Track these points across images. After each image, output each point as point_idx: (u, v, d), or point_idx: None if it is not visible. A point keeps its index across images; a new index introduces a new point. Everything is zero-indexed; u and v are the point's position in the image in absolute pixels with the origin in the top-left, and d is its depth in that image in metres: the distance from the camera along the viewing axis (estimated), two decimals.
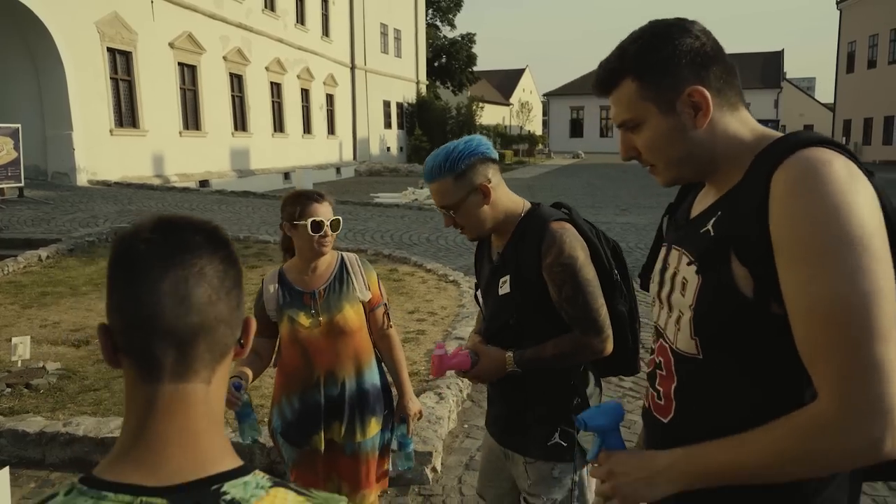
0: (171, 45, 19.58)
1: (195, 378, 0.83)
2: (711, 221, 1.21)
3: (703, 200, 1.30)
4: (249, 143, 23.90)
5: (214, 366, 0.85)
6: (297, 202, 2.49)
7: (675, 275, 1.28)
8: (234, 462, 0.84)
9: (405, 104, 39.91)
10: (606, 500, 1.29)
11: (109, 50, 17.21)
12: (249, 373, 2.46)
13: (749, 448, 1.09)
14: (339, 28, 32.22)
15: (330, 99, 31.51)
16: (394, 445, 2.74)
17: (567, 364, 2.00)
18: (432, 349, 2.30)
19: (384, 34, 37.33)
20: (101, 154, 16.74)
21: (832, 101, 44.23)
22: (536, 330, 2.01)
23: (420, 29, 41.95)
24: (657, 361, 1.34)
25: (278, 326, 2.56)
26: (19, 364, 5.21)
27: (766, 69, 55.67)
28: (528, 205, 2.11)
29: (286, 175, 24.99)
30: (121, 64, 17.79)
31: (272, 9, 25.64)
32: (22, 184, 13.21)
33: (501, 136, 44.26)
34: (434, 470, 3.81)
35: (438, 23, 48.92)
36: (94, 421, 4.14)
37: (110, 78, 17.28)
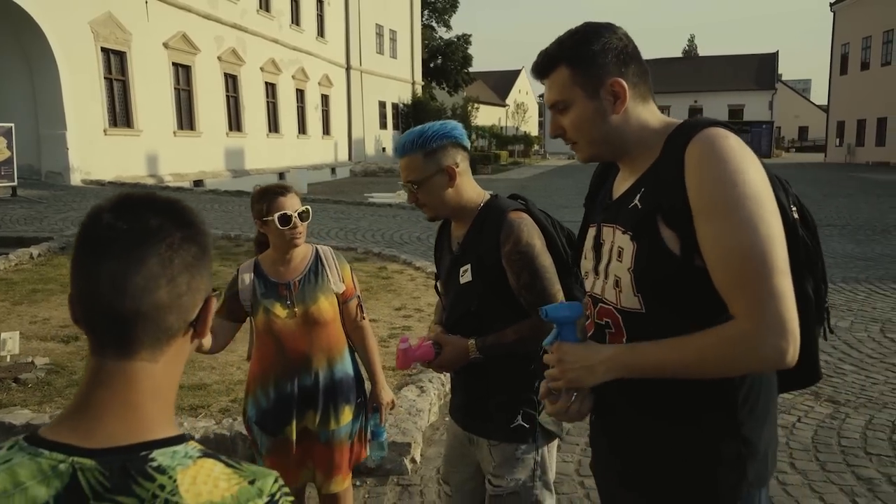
0: (166, 45, 19.63)
1: (137, 357, 0.88)
2: (637, 197, 1.43)
3: (623, 183, 1.53)
4: (244, 143, 23.95)
5: (161, 346, 0.89)
6: (263, 199, 2.55)
7: (611, 247, 1.48)
8: (171, 433, 0.88)
9: (401, 105, 39.97)
10: (550, 395, 1.50)
11: (103, 50, 17.27)
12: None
13: (679, 350, 1.33)
14: (335, 29, 32.27)
15: (325, 99, 31.58)
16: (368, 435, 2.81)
17: (528, 348, 2.08)
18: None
19: (380, 35, 37.39)
20: (95, 154, 16.79)
21: (827, 102, 44.37)
22: (497, 317, 2.09)
23: (416, 30, 42.02)
24: (604, 323, 1.52)
25: (249, 316, 2.63)
26: (8, 359, 5.27)
27: (760, 71, 55.89)
28: (487, 196, 2.19)
29: (281, 175, 25.02)
30: (115, 64, 17.85)
31: (267, 9, 25.71)
32: (15, 183, 13.26)
33: (497, 137, 44.34)
34: (413, 461, 3.88)
35: (434, 24, 48.99)
36: None
37: (104, 78, 17.34)
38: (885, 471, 3.74)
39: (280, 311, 2.56)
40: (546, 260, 2.05)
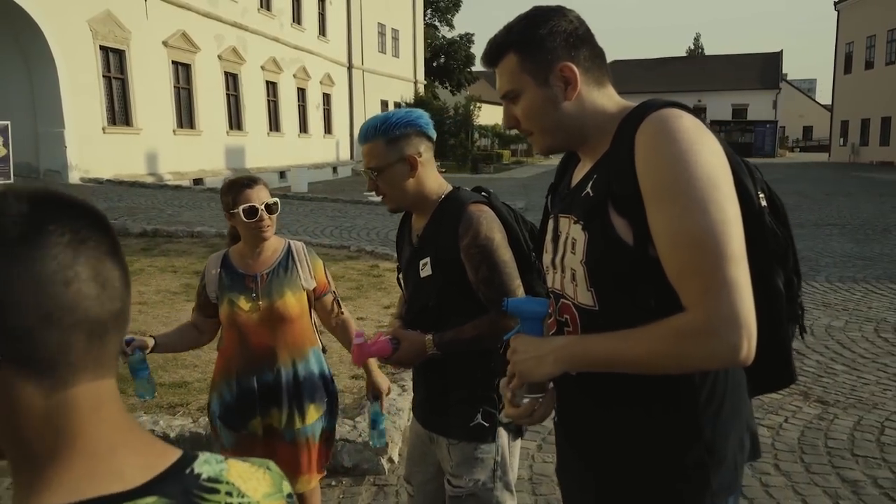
0: (165, 43, 19.61)
1: (108, 372, 0.74)
2: (590, 184, 1.36)
3: (580, 171, 1.47)
4: (245, 141, 23.92)
5: (116, 358, 0.79)
6: (230, 191, 2.50)
7: (566, 239, 1.41)
8: (178, 450, 0.77)
9: (403, 104, 39.87)
10: (513, 397, 1.43)
11: (102, 48, 17.23)
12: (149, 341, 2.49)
13: (628, 343, 1.25)
14: (336, 27, 32.23)
15: (327, 98, 31.54)
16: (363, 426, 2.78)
17: (487, 345, 2.02)
18: None
19: (382, 34, 37.35)
20: (93, 152, 16.75)
21: (831, 102, 44.18)
22: (457, 312, 2.03)
23: (418, 29, 41.95)
24: (563, 320, 1.44)
25: (219, 309, 2.58)
26: None
27: (764, 70, 55.69)
28: (449, 188, 2.14)
29: (282, 174, 25.00)
30: (114, 62, 17.82)
31: (268, 8, 25.67)
32: (11, 180, 13.25)
33: (500, 137, 44.20)
34: (391, 460, 3.83)
35: (437, 23, 48.96)
36: None
37: (103, 76, 17.31)
38: (871, 473, 3.67)
39: (244, 303, 2.50)
40: (506, 254, 1.99)
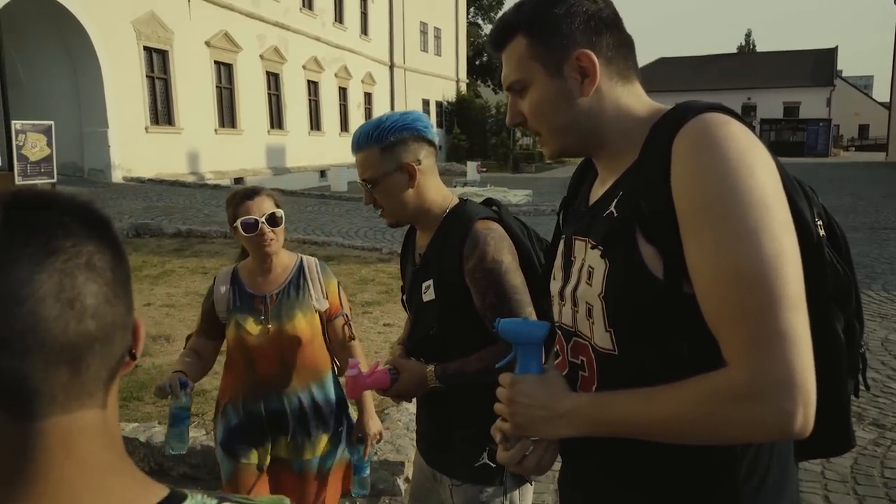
0: (208, 43, 19.81)
1: (90, 402, 0.63)
2: (614, 202, 1.12)
3: (601, 186, 1.22)
4: (285, 140, 24.07)
5: (110, 384, 0.66)
6: (230, 204, 2.33)
7: (581, 266, 1.18)
8: (163, 488, 0.66)
9: (445, 103, 39.80)
10: (504, 440, 1.23)
11: (146, 48, 17.49)
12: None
13: (652, 402, 1.03)
14: (378, 26, 32.27)
15: (368, 97, 31.59)
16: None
17: (494, 378, 1.79)
18: None
19: (424, 32, 37.29)
20: (136, 151, 17.01)
21: (889, 99, 42.55)
22: (462, 341, 1.82)
23: (461, 27, 41.80)
24: (579, 362, 1.21)
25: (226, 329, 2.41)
26: None
27: (817, 67, 54.00)
28: (455, 200, 1.91)
29: (322, 173, 25.10)
30: (157, 62, 18.07)
31: (310, 7, 25.80)
32: (54, 180, 13.45)
33: None
34: (407, 480, 3.63)
35: (480, 21, 48.72)
36: None
37: (146, 76, 17.57)
38: None
39: (252, 326, 2.33)
40: (516, 278, 1.76)
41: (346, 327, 2.48)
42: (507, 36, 1.20)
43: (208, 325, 2.42)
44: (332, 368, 2.49)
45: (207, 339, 2.44)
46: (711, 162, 0.98)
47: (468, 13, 45.33)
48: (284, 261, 2.42)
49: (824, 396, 1.09)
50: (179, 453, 2.31)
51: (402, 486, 3.57)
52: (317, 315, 2.40)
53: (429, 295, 1.85)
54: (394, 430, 3.85)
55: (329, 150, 26.85)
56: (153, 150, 17.62)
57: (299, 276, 2.41)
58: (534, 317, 1.75)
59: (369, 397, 2.48)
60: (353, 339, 2.50)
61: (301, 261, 2.45)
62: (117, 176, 16.45)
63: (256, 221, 2.26)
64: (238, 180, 20.53)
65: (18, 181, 12.53)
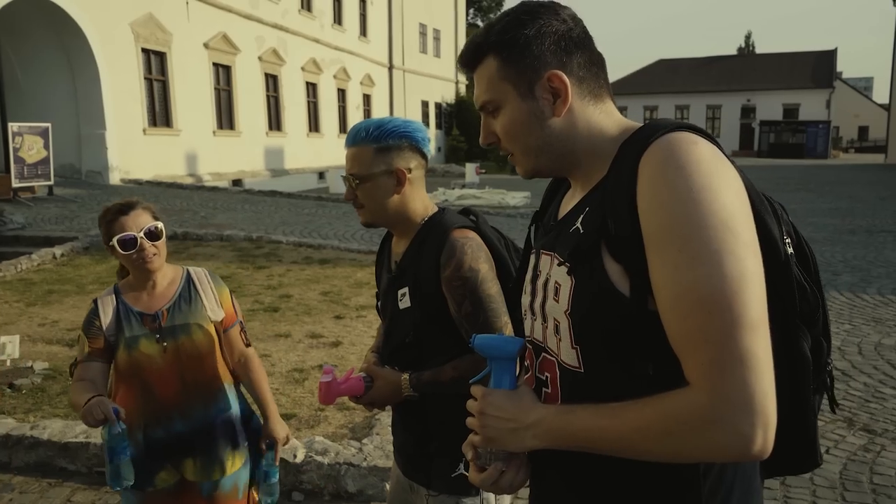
0: (206, 45, 19.81)
1: None
2: (580, 218, 1.14)
3: (571, 200, 1.23)
4: (284, 142, 24.07)
5: None
6: (102, 221, 2.19)
7: (547, 281, 1.18)
8: None
9: (444, 104, 39.81)
10: (477, 458, 1.24)
11: (144, 50, 17.48)
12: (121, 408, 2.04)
13: (616, 420, 1.03)
14: (377, 28, 32.27)
15: (367, 99, 31.59)
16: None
17: (468, 388, 1.80)
18: None
19: (423, 34, 37.29)
20: (134, 153, 17.00)
21: (888, 101, 42.53)
22: (438, 349, 1.82)
23: (460, 29, 41.80)
24: (543, 378, 1.22)
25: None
26: (8, 363, 5.21)
27: (817, 68, 53.94)
28: (434, 209, 1.92)
29: (321, 175, 25.09)
30: (155, 64, 18.06)
31: (308, 9, 25.80)
32: (51, 182, 13.47)
33: None
34: None
35: (479, 23, 48.69)
36: (61, 424, 4.06)
37: (144, 78, 17.55)
38: None
39: (147, 347, 2.19)
40: (492, 288, 1.77)
41: (242, 334, 2.38)
42: (477, 57, 1.20)
43: (96, 347, 2.22)
44: (233, 380, 2.37)
45: (97, 362, 2.22)
46: (676, 182, 0.99)
47: (467, 14, 45.35)
48: (170, 274, 2.30)
49: (791, 415, 1.09)
50: (128, 485, 2.08)
51: None
52: (213, 326, 2.29)
53: (405, 302, 1.86)
54: (384, 435, 3.85)
55: (327, 152, 26.84)
56: (151, 152, 17.60)
57: (189, 288, 2.30)
58: (509, 326, 1.76)
59: (273, 403, 2.40)
60: (250, 346, 2.41)
61: (188, 272, 2.35)
62: (115, 178, 16.44)
63: (135, 237, 2.14)
64: (236, 182, 20.53)
65: (15, 183, 12.54)
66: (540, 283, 1.21)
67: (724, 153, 1.07)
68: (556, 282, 1.15)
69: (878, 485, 3.64)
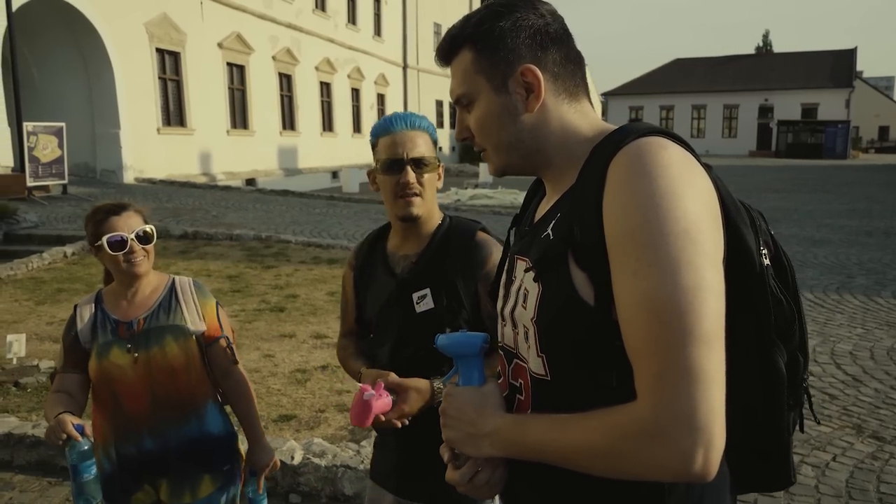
0: (220, 45, 19.91)
1: None
2: (551, 225, 1.10)
3: (546, 204, 1.21)
4: (297, 142, 24.15)
5: None
6: (91, 221, 2.13)
7: (519, 287, 1.16)
8: None
9: None
10: (454, 458, 1.20)
11: (158, 50, 17.61)
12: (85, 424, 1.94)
13: (564, 432, 1.01)
14: (392, 28, 32.30)
15: (381, 98, 31.63)
16: None
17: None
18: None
19: (437, 33, 37.25)
20: (148, 152, 17.13)
21: None
22: None
23: None
24: (517, 384, 1.18)
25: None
26: (14, 361, 5.23)
27: (836, 68, 53.33)
28: (445, 216, 1.97)
29: (334, 174, 25.14)
30: (169, 64, 18.18)
31: (323, 9, 25.86)
32: (66, 181, 13.58)
33: None
34: None
35: None
36: None
37: (159, 78, 17.68)
38: None
39: (117, 356, 2.10)
40: None
41: (227, 350, 2.25)
42: (453, 49, 1.18)
43: (75, 357, 2.15)
44: (216, 398, 2.26)
45: (75, 374, 2.16)
46: (640, 189, 0.95)
47: None
48: (154, 282, 2.21)
49: (763, 431, 1.06)
50: (99, 501, 1.98)
51: None
52: (192, 339, 2.17)
53: (424, 305, 1.81)
54: None
55: (341, 151, 26.90)
56: (165, 152, 17.72)
57: (170, 297, 2.20)
58: None
59: (259, 427, 2.30)
60: (237, 364, 2.28)
61: (173, 281, 2.25)
62: (129, 177, 16.57)
63: (125, 239, 2.08)
64: (250, 181, 20.62)
65: (30, 182, 12.66)
66: (514, 288, 1.18)
67: (697, 159, 1.04)
68: (525, 288, 1.12)
69: (886, 494, 3.56)
